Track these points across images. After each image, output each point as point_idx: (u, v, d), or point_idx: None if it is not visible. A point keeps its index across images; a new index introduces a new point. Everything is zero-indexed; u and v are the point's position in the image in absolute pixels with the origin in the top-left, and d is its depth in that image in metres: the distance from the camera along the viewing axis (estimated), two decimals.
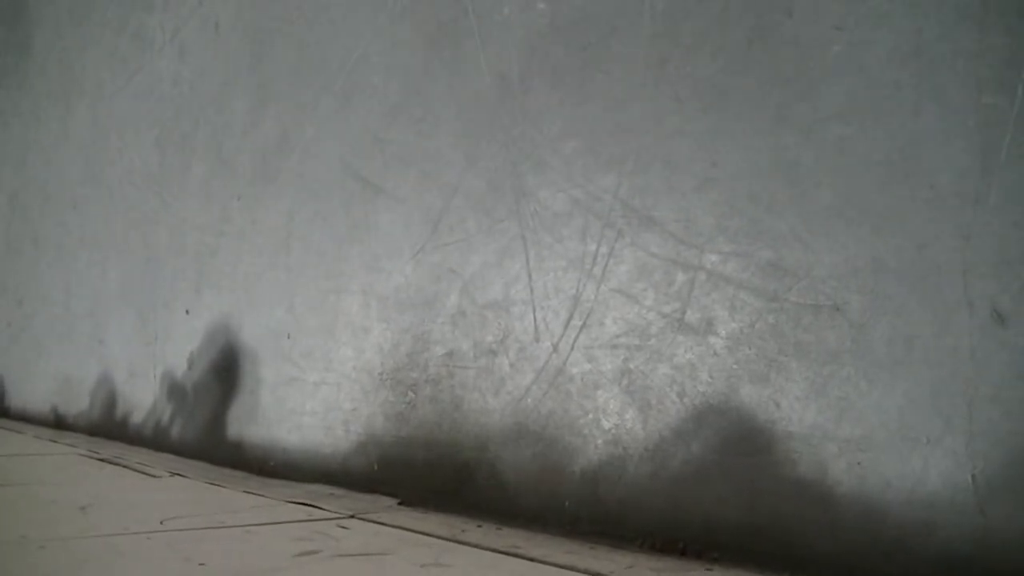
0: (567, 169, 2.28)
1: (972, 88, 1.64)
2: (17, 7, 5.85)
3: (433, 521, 2.27)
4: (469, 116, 2.56)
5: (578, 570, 1.77)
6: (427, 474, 2.56)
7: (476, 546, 1.98)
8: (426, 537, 2.07)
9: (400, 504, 2.51)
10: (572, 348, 2.22)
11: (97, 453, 3.57)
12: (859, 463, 1.72)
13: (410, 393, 2.65)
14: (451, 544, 2.00)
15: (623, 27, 2.20)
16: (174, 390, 3.78)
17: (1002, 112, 1.60)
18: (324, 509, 2.38)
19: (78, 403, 4.58)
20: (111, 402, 4.28)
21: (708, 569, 1.82)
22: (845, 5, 1.82)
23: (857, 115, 1.78)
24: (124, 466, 3.20)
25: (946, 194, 1.66)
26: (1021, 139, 1.58)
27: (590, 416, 2.17)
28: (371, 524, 2.21)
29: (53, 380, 4.90)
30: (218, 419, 3.45)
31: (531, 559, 1.86)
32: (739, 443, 1.90)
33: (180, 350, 3.76)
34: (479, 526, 2.22)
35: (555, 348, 2.25)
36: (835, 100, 1.82)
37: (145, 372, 3.99)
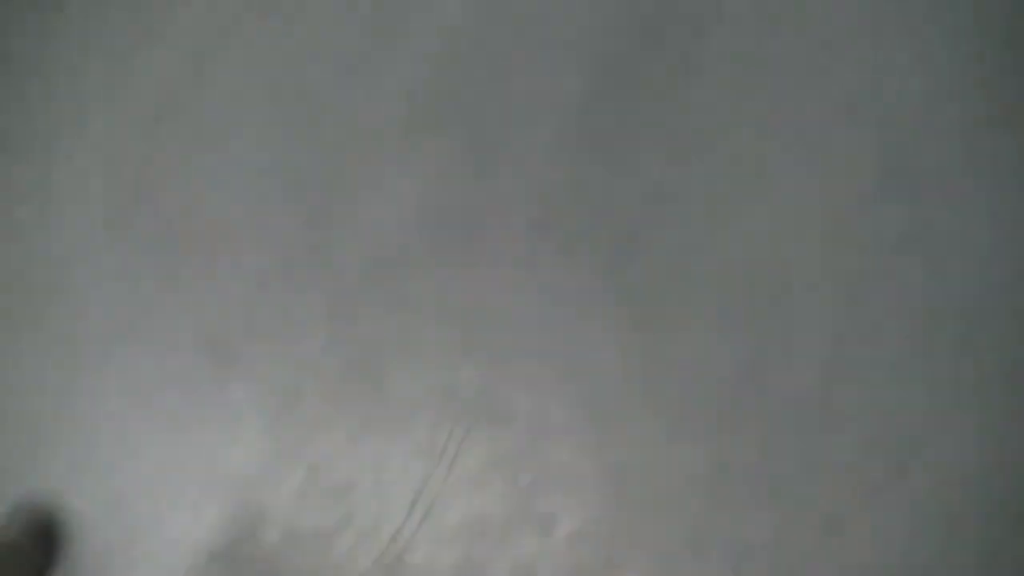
0: (426, 356, 2.31)
1: None
2: None
3: None
4: (333, 302, 2.59)
5: None
6: None
7: None
8: None
9: None
10: (413, 537, 2.19)
11: None
12: None
13: (243, 571, 2.55)
14: None
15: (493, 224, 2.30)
16: None
17: None
18: None
19: None
20: None
21: None
22: None
23: None
24: None
25: None
26: None
27: None
28: None
29: None
30: None
31: None
32: None
33: None
34: None
35: (395, 536, 2.22)
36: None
37: None
